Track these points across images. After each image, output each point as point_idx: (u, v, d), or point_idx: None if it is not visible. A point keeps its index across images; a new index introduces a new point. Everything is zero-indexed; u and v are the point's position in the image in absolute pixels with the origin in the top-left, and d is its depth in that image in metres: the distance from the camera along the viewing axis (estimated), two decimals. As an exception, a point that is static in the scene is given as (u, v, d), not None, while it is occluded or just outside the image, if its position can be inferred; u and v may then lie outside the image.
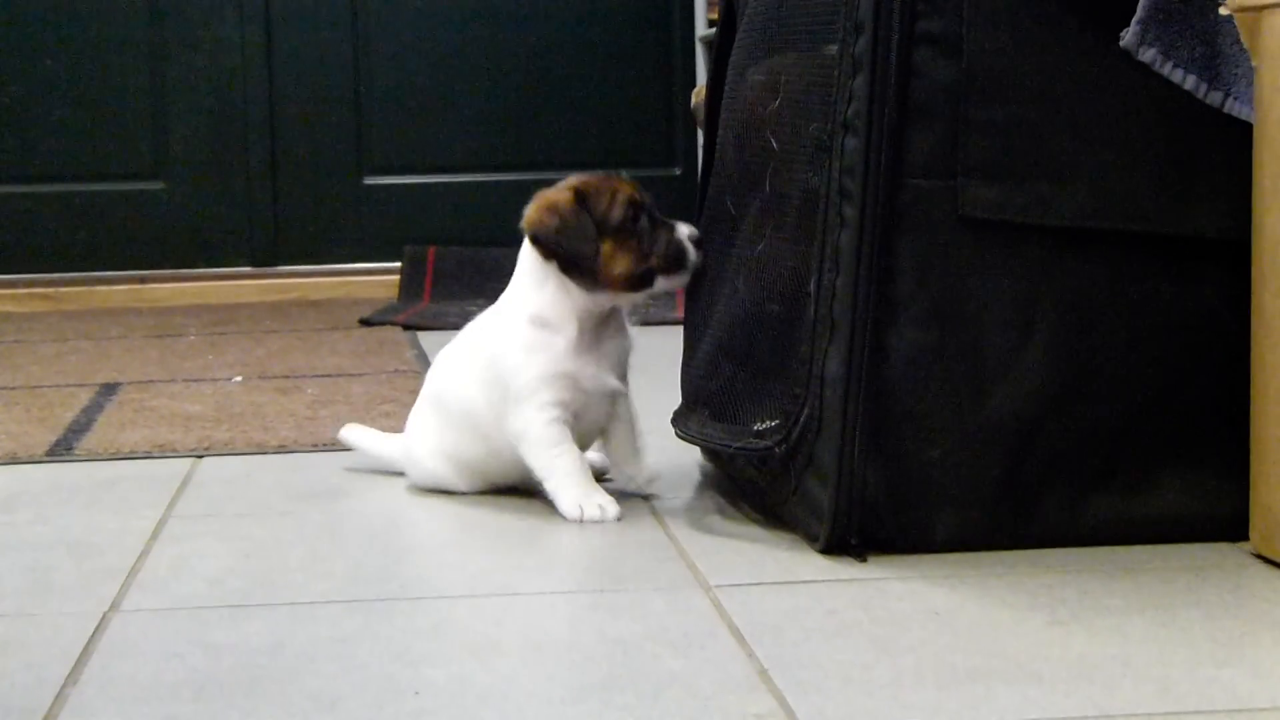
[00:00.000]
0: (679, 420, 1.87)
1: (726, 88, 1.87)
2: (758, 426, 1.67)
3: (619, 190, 1.76)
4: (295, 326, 3.52)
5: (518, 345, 1.77)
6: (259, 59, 4.13)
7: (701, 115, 2.57)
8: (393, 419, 2.34)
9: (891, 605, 1.46)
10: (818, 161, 1.60)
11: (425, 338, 3.28)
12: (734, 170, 1.81)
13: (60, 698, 1.27)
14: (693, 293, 1.89)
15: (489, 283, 3.92)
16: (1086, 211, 1.57)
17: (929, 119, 1.56)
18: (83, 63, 4.07)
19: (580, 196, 1.75)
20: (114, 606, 1.50)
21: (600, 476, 1.88)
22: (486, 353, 1.80)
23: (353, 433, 2.04)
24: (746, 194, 1.76)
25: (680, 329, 1.96)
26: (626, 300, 1.80)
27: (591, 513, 1.75)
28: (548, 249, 1.76)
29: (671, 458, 1.95)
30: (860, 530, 1.59)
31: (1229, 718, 1.19)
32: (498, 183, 4.18)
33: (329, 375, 2.79)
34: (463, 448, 1.85)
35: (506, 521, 1.78)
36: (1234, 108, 1.55)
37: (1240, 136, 1.56)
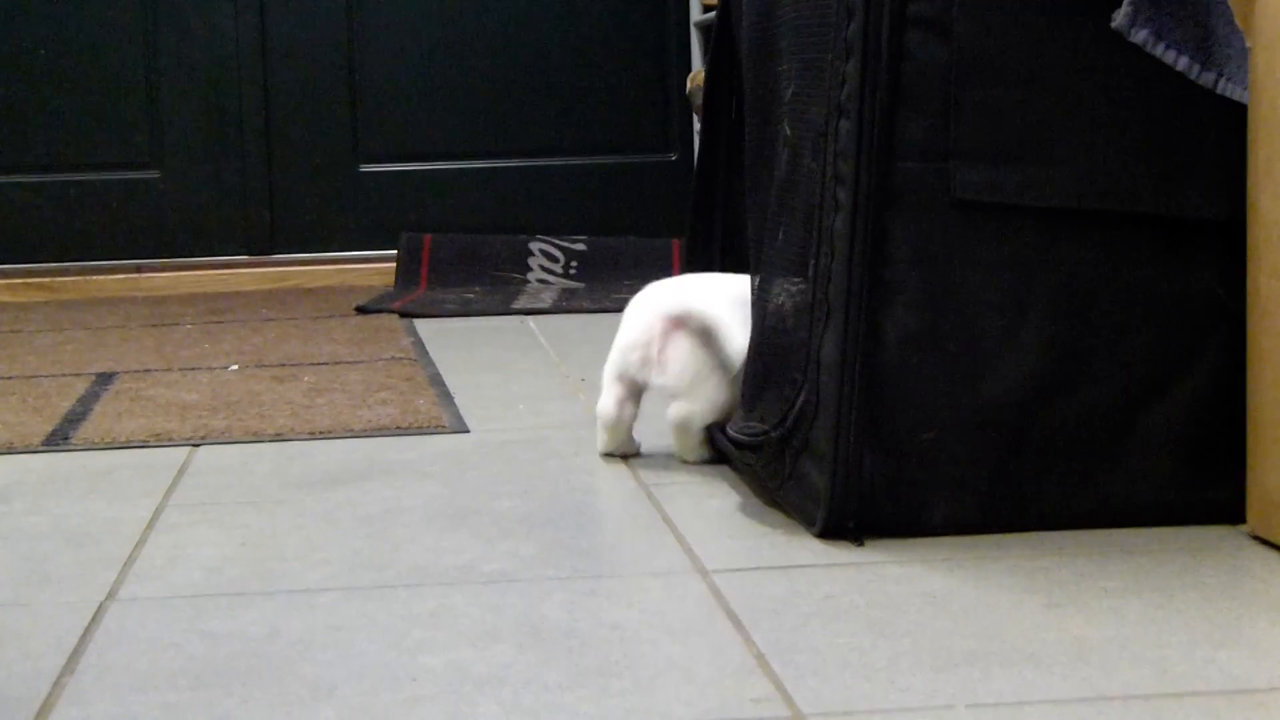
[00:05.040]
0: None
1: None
2: (755, 410, 1.67)
3: None
4: (291, 315, 3.51)
5: None
6: (253, 47, 4.12)
7: (698, 101, 2.57)
8: (390, 406, 2.34)
9: (888, 589, 1.46)
10: (818, 146, 1.60)
11: (422, 325, 3.28)
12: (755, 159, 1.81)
13: (57, 687, 1.27)
14: None
15: (486, 270, 3.92)
16: (1079, 193, 1.57)
17: (921, 102, 1.56)
18: (76, 52, 4.06)
19: None
20: (111, 595, 1.50)
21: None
22: None
23: None
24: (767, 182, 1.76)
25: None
26: None
27: None
28: None
29: (667, 442, 1.95)
30: (857, 514, 1.59)
31: (1226, 699, 1.19)
32: (494, 169, 4.17)
33: (325, 363, 2.79)
34: None
35: (502, 508, 1.78)
36: (1227, 88, 1.55)
37: (1233, 118, 1.56)
